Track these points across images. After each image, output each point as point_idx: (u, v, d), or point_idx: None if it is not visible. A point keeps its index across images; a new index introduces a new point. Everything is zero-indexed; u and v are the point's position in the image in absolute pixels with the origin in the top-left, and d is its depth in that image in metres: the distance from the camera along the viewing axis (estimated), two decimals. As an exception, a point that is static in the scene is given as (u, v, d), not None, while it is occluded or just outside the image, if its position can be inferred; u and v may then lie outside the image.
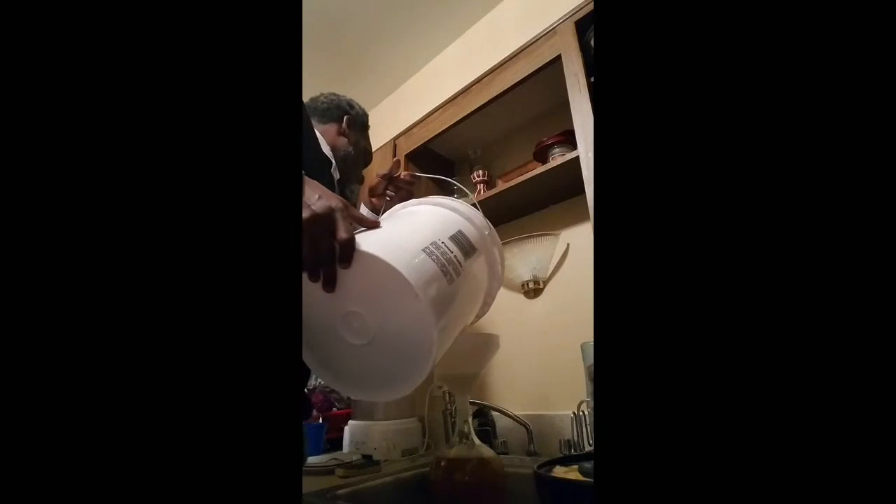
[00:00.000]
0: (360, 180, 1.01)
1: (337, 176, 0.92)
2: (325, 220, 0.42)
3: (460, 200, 0.63)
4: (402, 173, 0.85)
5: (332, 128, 0.96)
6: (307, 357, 0.49)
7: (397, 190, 0.85)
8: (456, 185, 0.92)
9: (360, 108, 1.02)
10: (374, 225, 0.50)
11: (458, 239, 0.54)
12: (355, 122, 0.99)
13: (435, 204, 0.62)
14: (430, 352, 0.43)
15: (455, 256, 0.50)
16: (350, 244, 0.42)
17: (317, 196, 0.43)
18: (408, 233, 0.50)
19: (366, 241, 0.45)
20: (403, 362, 0.47)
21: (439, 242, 0.49)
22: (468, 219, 0.59)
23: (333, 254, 0.42)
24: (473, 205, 0.65)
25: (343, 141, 0.96)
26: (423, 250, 0.46)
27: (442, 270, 0.47)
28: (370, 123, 1.05)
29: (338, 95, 1.01)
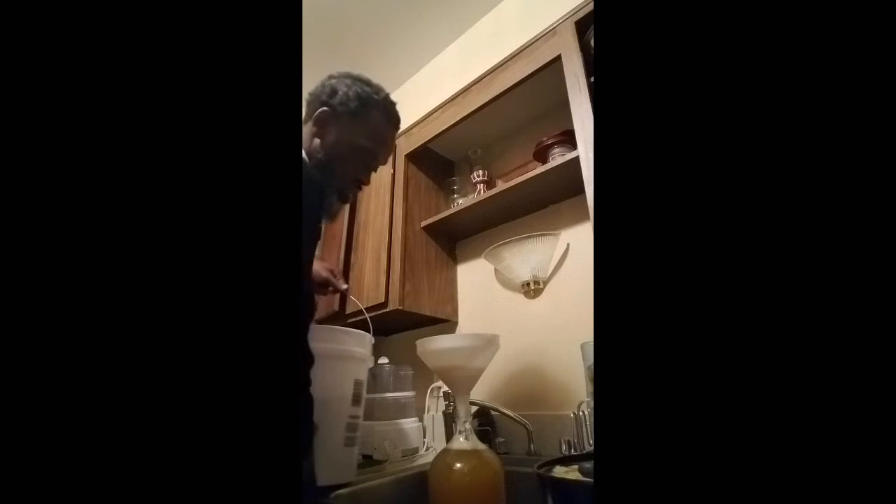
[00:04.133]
0: (358, 185, 0.77)
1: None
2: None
3: (344, 333, 0.84)
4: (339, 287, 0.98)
5: (307, 129, 0.73)
6: None
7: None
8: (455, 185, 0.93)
9: (351, 90, 0.73)
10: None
11: (357, 392, 0.80)
12: (335, 115, 0.72)
13: (330, 357, 0.75)
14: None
15: (358, 415, 0.80)
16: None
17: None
18: (332, 429, 0.75)
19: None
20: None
21: (350, 420, 0.77)
22: (352, 354, 0.82)
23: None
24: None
25: (315, 143, 0.70)
26: (345, 444, 0.75)
27: (355, 439, 0.78)
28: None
29: (331, 78, 0.75)
